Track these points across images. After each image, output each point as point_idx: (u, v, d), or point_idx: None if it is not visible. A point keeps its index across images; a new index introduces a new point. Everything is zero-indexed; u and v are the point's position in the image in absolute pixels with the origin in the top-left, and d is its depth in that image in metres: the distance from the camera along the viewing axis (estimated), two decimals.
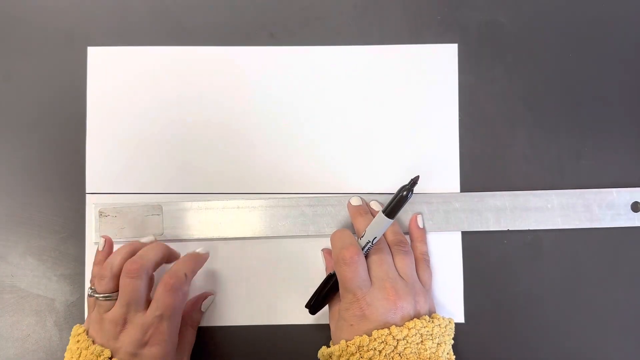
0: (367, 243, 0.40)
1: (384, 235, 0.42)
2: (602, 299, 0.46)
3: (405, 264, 0.41)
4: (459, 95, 0.46)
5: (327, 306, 0.43)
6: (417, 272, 0.42)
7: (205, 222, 0.44)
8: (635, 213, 0.45)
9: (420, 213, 0.45)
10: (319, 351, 0.40)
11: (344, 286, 0.39)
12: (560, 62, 0.47)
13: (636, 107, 0.47)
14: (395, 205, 0.40)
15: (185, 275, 0.40)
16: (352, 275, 0.39)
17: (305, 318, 0.43)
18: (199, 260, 0.43)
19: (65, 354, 0.40)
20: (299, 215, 0.45)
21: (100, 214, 0.44)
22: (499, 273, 0.46)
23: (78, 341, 0.39)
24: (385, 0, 0.47)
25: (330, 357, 0.39)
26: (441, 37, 0.47)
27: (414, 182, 0.40)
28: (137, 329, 0.38)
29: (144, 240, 0.43)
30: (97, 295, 0.39)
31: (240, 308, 0.45)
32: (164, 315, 0.39)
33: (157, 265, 0.41)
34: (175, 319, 0.40)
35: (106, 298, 0.39)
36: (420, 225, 0.44)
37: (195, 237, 0.44)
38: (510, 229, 0.45)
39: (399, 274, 0.40)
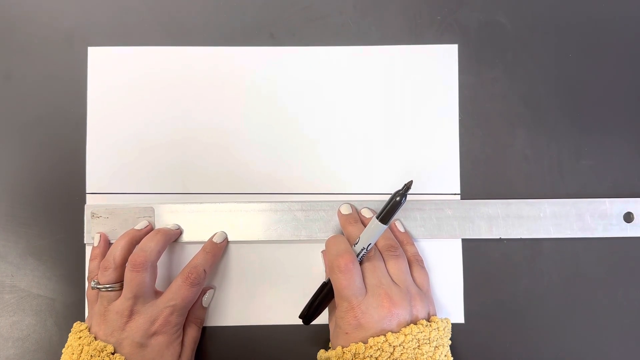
0: (362, 250, 0.40)
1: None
2: (601, 300, 0.46)
3: (398, 268, 0.41)
4: (459, 95, 0.46)
5: (325, 310, 0.43)
6: (411, 274, 0.42)
7: (197, 224, 0.44)
8: (628, 223, 0.45)
9: (397, 219, 0.45)
10: (318, 354, 0.40)
11: (339, 294, 0.39)
12: (560, 62, 0.47)
13: (636, 107, 0.47)
14: (389, 210, 0.39)
15: (205, 271, 0.42)
16: (347, 283, 0.39)
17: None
18: (217, 253, 0.44)
19: (64, 351, 0.40)
20: (292, 219, 0.45)
21: (93, 215, 0.44)
22: (498, 273, 0.46)
23: (80, 337, 0.39)
24: (385, 0, 0.47)
25: None
26: (441, 37, 0.47)
27: (408, 186, 0.39)
28: (146, 319, 0.39)
29: (138, 226, 0.43)
30: (100, 286, 0.40)
31: (238, 308, 0.45)
32: (177, 306, 0.40)
33: (160, 253, 0.42)
34: (184, 312, 0.41)
35: (110, 289, 0.40)
36: (402, 230, 0.44)
37: (187, 240, 0.44)
38: (502, 237, 0.45)
39: (392, 279, 0.40)
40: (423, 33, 0.47)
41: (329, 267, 0.40)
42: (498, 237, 0.45)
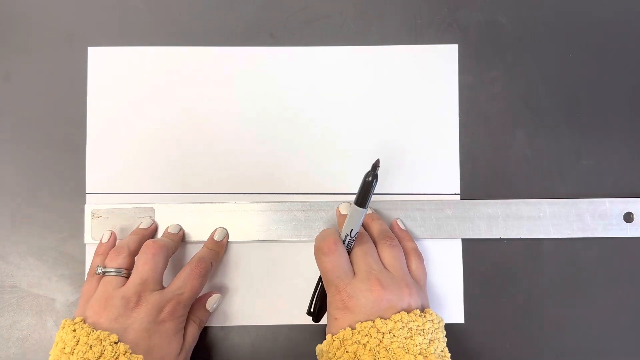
0: (346, 236, 0.39)
1: (369, 232, 0.42)
2: (601, 300, 0.46)
3: (393, 256, 0.40)
4: (459, 95, 0.46)
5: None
6: (409, 266, 0.41)
7: (197, 224, 0.44)
8: (628, 223, 0.45)
9: (398, 218, 0.45)
10: (316, 348, 0.40)
11: (326, 278, 0.39)
12: (560, 62, 0.47)
13: (636, 107, 0.47)
14: (362, 193, 0.38)
15: (211, 264, 0.42)
16: (332, 265, 0.38)
17: (305, 319, 0.43)
18: (220, 251, 0.44)
19: (51, 351, 0.37)
20: (292, 219, 0.45)
21: (93, 215, 0.44)
22: (498, 273, 0.46)
23: (74, 330, 0.37)
24: (385, 0, 0.47)
25: (322, 354, 0.38)
26: (441, 37, 0.47)
27: (375, 165, 0.38)
28: (155, 305, 0.38)
29: (143, 225, 0.44)
30: (107, 269, 0.40)
31: (238, 309, 0.45)
32: (185, 296, 0.40)
33: (173, 253, 0.42)
34: (189, 304, 0.41)
35: (115, 273, 0.39)
36: (402, 227, 0.44)
37: (187, 239, 0.44)
38: (502, 237, 0.45)
39: (385, 266, 0.40)
40: (423, 33, 0.47)
41: (314, 253, 0.40)
42: (498, 237, 0.45)
